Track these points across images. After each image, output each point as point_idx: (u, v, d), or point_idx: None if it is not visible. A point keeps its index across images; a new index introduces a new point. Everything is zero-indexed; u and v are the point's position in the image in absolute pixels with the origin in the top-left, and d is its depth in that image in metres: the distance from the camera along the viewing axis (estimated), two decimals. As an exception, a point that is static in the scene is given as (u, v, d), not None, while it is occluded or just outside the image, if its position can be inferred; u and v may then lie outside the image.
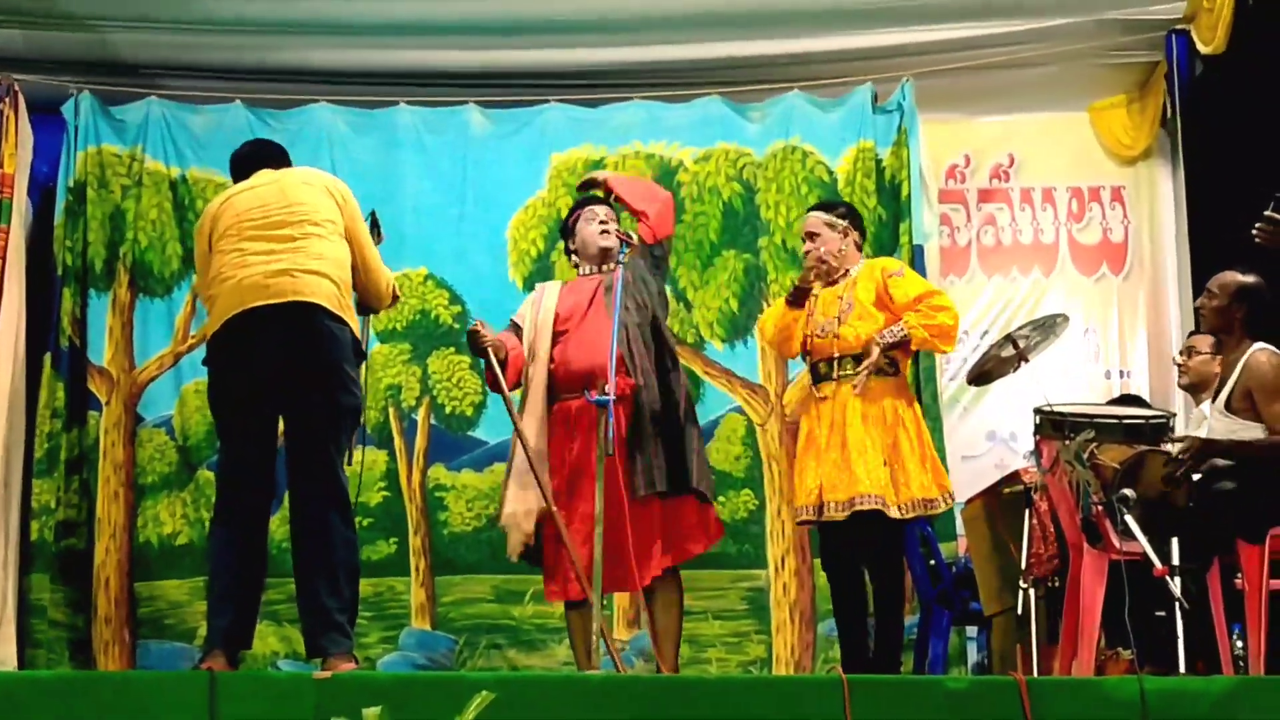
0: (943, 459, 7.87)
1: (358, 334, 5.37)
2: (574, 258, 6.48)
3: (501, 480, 6.34)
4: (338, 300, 5.25)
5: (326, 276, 5.24)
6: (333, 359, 5.20)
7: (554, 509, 5.87)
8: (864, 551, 6.18)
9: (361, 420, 5.49)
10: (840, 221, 6.41)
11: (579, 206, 6.53)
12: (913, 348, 6.24)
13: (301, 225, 5.32)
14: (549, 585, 6.12)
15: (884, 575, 6.16)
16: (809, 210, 6.69)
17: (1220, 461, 5.73)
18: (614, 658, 5.85)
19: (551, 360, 6.15)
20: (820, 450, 6.16)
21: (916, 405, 6.32)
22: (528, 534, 6.03)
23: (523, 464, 6.02)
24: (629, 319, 6.07)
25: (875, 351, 6.06)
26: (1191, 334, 7.02)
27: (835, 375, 6.20)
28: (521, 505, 6.02)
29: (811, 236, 6.42)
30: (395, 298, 5.76)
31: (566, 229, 6.53)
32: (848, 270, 6.38)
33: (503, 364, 6.22)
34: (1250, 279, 5.83)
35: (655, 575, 5.95)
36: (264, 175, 5.55)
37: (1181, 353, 6.88)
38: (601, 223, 6.33)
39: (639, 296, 6.17)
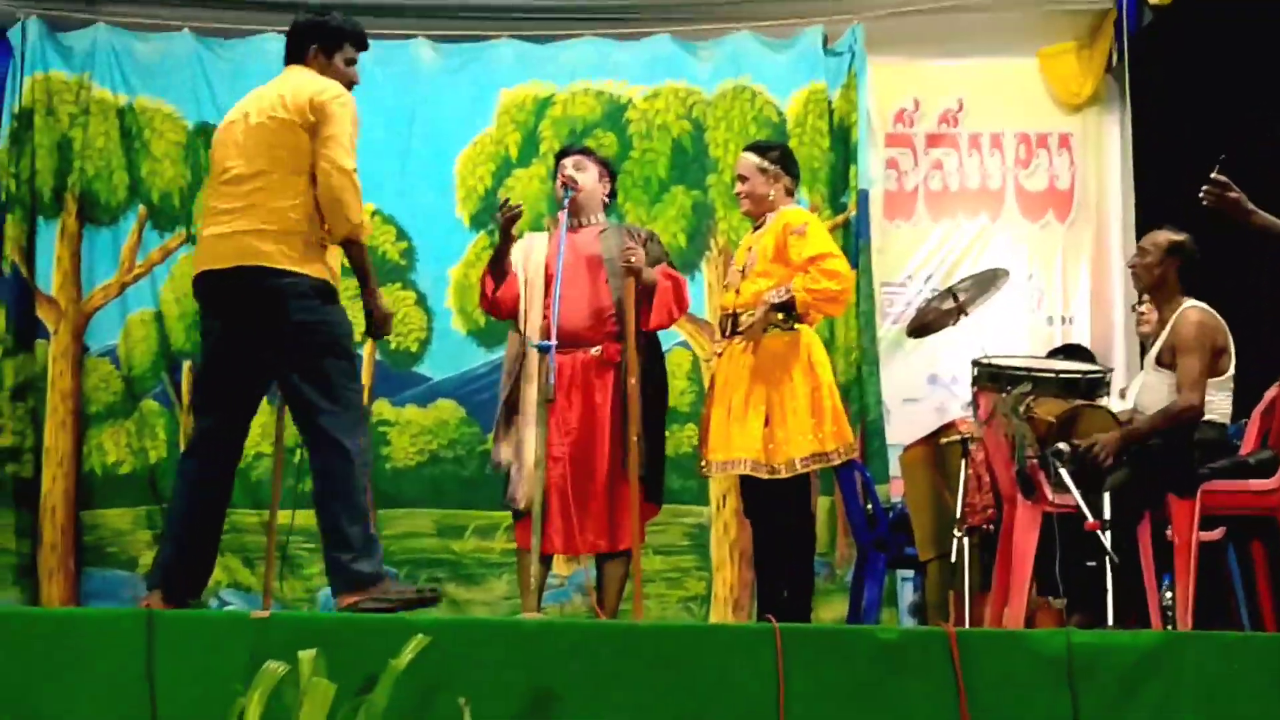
0: (877, 403, 8.01)
1: (321, 274, 5.11)
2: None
3: (444, 416, 6.32)
4: (284, 252, 5.06)
5: (270, 231, 5.08)
6: (291, 318, 5.05)
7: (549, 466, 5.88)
8: (750, 510, 6.29)
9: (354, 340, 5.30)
10: (771, 166, 6.29)
11: (560, 157, 6.51)
12: (798, 310, 6.09)
13: (255, 178, 5.13)
14: (535, 535, 5.88)
15: (771, 532, 6.18)
16: (743, 150, 6.57)
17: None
18: (597, 613, 6.02)
19: (544, 315, 6.08)
20: (709, 406, 6.23)
21: (815, 358, 6.16)
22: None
23: (534, 413, 5.96)
24: (616, 284, 6.11)
25: (761, 311, 6.03)
26: None
27: (729, 331, 6.23)
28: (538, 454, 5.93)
29: (741, 179, 6.35)
30: (351, 240, 5.16)
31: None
32: (767, 218, 6.32)
33: (504, 275, 6.21)
34: (1181, 236, 5.86)
35: (625, 546, 6.03)
36: (258, 95, 5.27)
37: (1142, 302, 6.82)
38: (566, 174, 6.26)
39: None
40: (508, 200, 6.19)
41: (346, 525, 5.00)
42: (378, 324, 5.30)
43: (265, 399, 5.35)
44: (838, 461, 6.19)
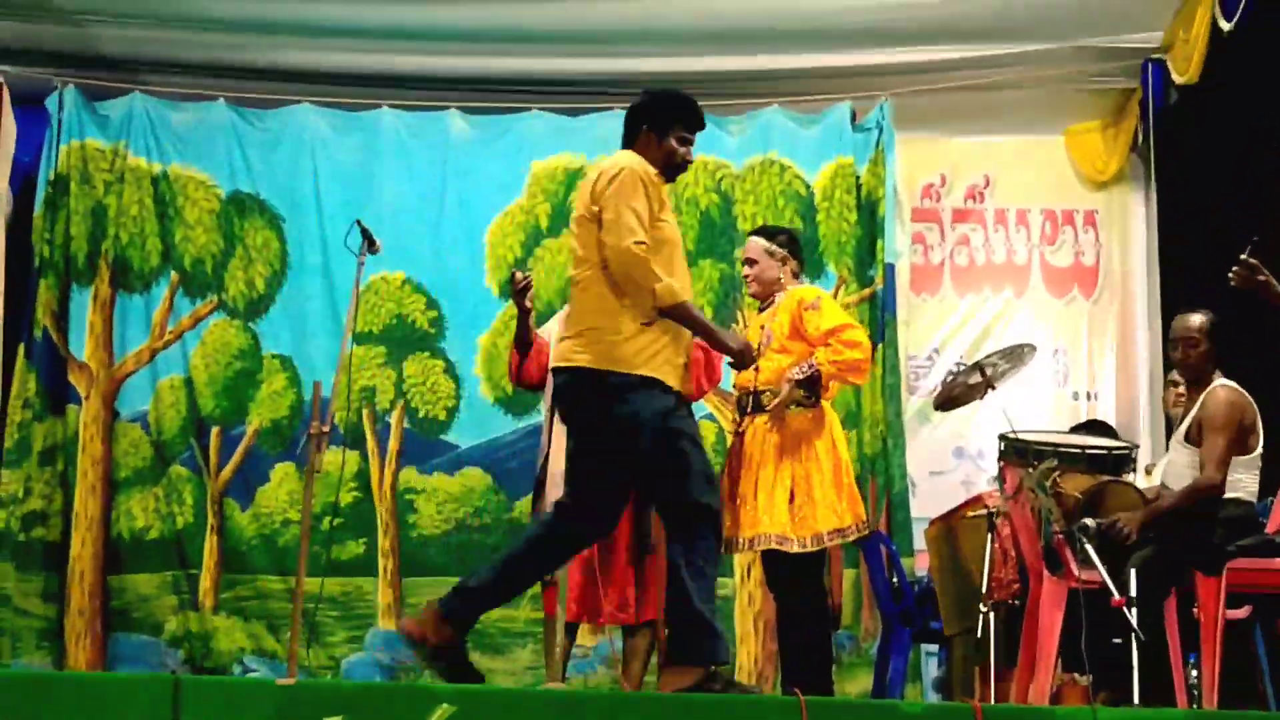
0: (902, 476, 8.01)
1: (614, 366, 5.02)
2: None
3: (471, 484, 6.31)
4: (581, 349, 5.06)
5: (576, 332, 5.11)
6: (587, 417, 5.14)
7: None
8: (774, 584, 6.26)
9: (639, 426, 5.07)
10: (779, 250, 6.34)
11: None
12: (824, 383, 6.13)
13: (575, 284, 5.19)
14: (560, 604, 6.02)
15: (794, 604, 6.15)
16: (750, 234, 6.65)
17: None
18: (622, 685, 6.02)
19: None
20: (734, 484, 6.22)
21: (835, 434, 6.20)
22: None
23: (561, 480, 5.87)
24: None
25: (786, 389, 6.04)
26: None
27: (750, 409, 6.25)
28: None
29: (750, 262, 6.40)
30: (663, 309, 5.05)
31: None
32: (775, 298, 6.35)
33: (528, 346, 6.26)
34: (1214, 317, 5.89)
35: (650, 618, 6.07)
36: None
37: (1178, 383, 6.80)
38: None
39: None
40: (514, 273, 6.27)
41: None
42: (736, 360, 5.45)
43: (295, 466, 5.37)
44: (854, 537, 6.20)
